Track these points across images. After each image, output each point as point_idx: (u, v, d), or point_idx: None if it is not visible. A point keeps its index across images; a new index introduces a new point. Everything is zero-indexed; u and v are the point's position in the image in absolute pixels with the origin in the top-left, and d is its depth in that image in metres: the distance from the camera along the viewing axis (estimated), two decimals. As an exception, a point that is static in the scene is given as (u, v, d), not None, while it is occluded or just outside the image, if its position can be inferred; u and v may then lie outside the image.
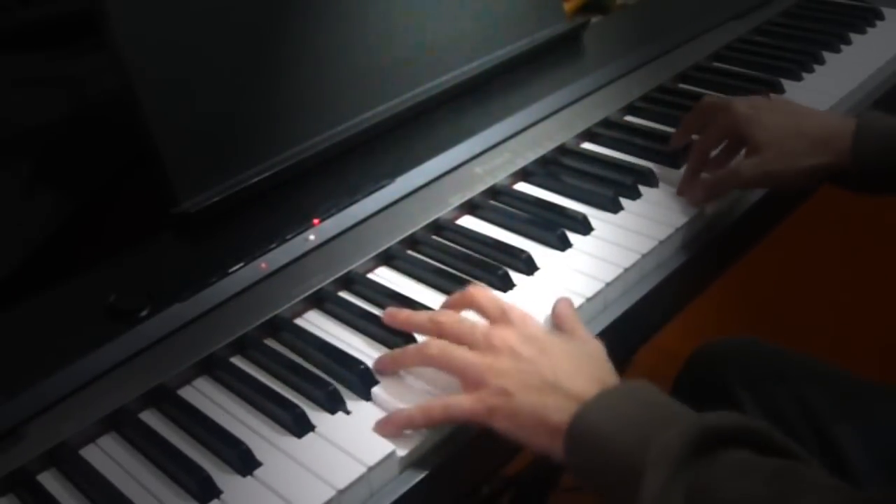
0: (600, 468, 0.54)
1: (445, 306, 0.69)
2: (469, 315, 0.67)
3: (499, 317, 0.65)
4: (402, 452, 0.59)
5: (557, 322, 0.68)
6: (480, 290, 0.68)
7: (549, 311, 0.70)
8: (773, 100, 0.81)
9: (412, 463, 0.61)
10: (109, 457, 0.61)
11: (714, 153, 0.84)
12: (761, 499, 0.46)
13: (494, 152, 0.88)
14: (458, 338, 0.63)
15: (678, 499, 0.48)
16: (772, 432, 0.51)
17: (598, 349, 0.65)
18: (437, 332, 0.65)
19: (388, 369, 0.65)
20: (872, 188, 0.76)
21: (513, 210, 0.83)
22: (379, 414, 0.62)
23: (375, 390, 0.64)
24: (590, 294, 0.72)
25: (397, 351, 0.65)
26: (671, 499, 0.48)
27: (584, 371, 0.61)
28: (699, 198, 0.81)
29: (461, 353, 0.62)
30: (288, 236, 0.75)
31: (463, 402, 0.60)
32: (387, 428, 0.60)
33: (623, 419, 0.54)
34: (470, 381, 0.61)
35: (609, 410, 0.55)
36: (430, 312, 0.68)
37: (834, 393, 0.82)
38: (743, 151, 0.81)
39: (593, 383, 0.59)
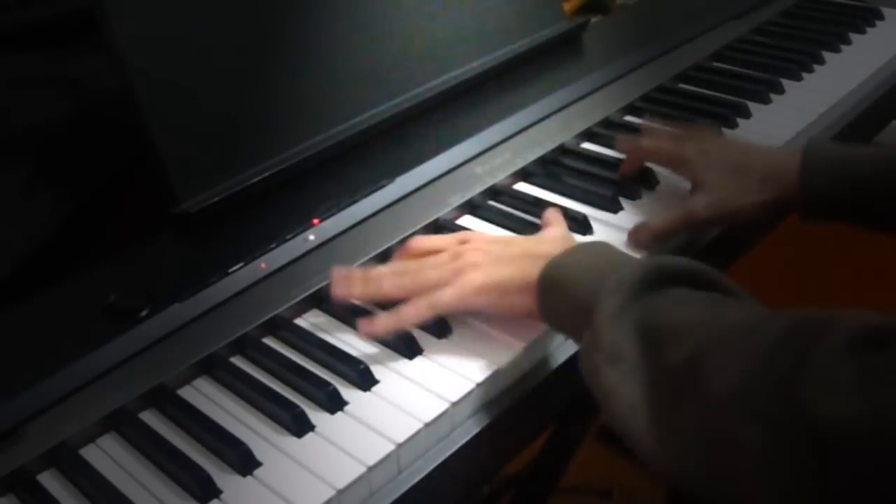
0: (568, 307, 0.61)
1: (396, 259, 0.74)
2: None
3: (454, 240, 0.71)
4: (401, 451, 0.59)
5: (543, 224, 0.76)
6: (422, 237, 0.74)
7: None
8: (720, 138, 0.84)
9: (412, 462, 0.61)
10: (109, 457, 0.61)
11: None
12: (694, 317, 0.53)
13: (494, 152, 0.89)
14: (428, 267, 0.68)
15: (628, 321, 0.55)
16: (716, 274, 0.57)
17: (565, 233, 0.72)
18: (406, 278, 0.68)
19: (363, 298, 0.69)
20: (821, 217, 0.78)
21: (513, 210, 0.83)
22: (379, 414, 0.62)
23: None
24: (590, 294, 0.72)
25: (371, 282, 0.68)
26: (622, 320, 0.55)
27: (550, 243, 0.68)
28: (648, 244, 0.77)
29: (436, 270, 0.67)
30: (288, 236, 0.75)
31: (444, 291, 0.65)
32: (375, 328, 0.66)
33: (585, 266, 0.62)
34: (448, 280, 0.66)
35: (573, 260, 0.63)
36: (387, 266, 0.71)
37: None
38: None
39: (560, 245, 0.66)
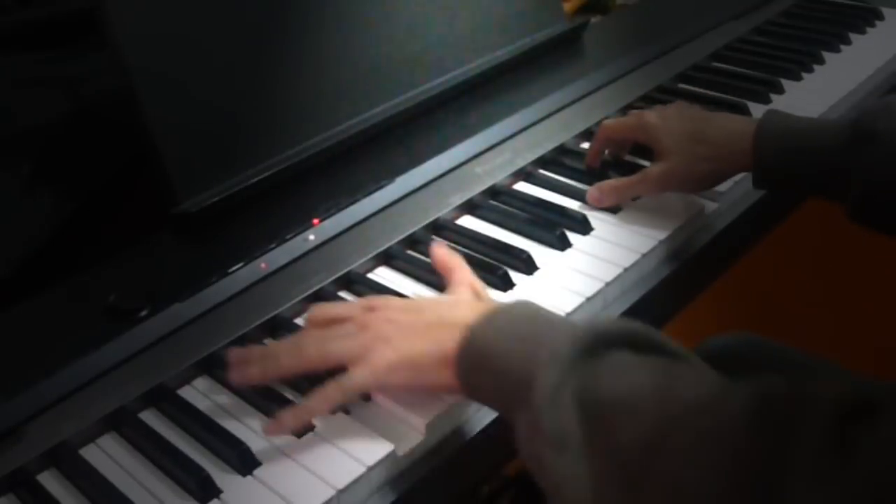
0: (496, 384, 0.55)
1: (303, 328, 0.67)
2: None
3: (360, 308, 0.64)
4: (401, 452, 0.59)
5: (441, 271, 0.69)
6: (328, 304, 0.67)
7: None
8: (682, 107, 0.84)
9: (412, 463, 0.61)
10: (109, 457, 0.61)
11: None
12: (643, 391, 0.48)
13: (494, 152, 0.89)
14: (331, 338, 0.61)
15: (567, 396, 0.49)
16: (653, 333, 0.52)
17: (478, 289, 0.66)
18: (303, 350, 0.61)
19: (256, 379, 0.61)
20: (772, 186, 0.80)
21: (513, 210, 0.83)
22: (380, 414, 0.62)
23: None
24: (589, 294, 0.72)
25: (266, 360, 0.61)
26: (561, 396, 0.49)
27: (467, 306, 0.61)
28: (604, 201, 0.82)
29: (340, 342, 0.60)
30: (288, 236, 0.75)
31: (354, 374, 0.59)
32: (282, 427, 0.59)
33: (511, 333, 0.55)
34: (357, 359, 0.59)
35: (496, 328, 0.56)
36: (286, 340, 0.64)
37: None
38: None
39: (479, 310, 0.59)
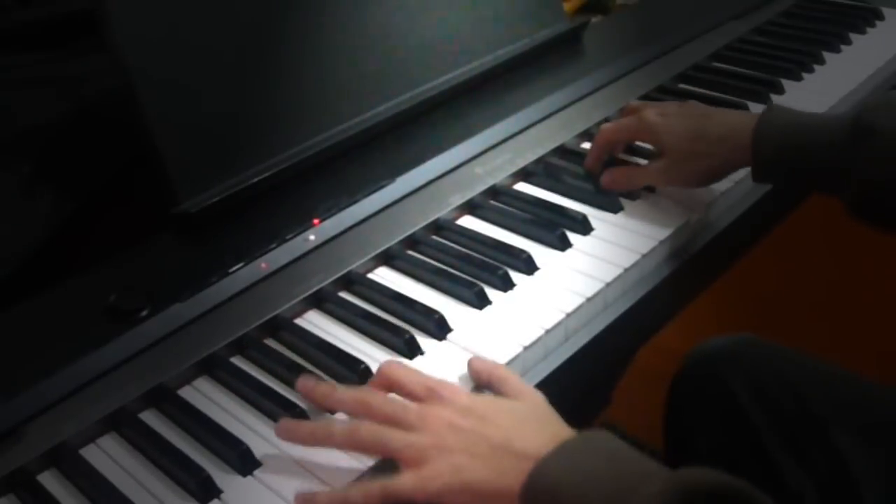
0: None
1: (370, 387, 0.63)
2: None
3: (426, 395, 0.59)
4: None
5: (486, 383, 0.63)
6: (400, 368, 0.62)
7: (550, 312, 0.70)
8: (682, 104, 0.84)
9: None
10: (109, 457, 0.61)
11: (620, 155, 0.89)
12: None
13: (495, 152, 0.88)
14: (389, 418, 0.57)
15: None
16: (750, 491, 0.48)
17: (541, 401, 0.60)
18: (365, 411, 0.59)
19: (303, 443, 0.59)
20: (771, 180, 0.80)
21: (513, 210, 0.83)
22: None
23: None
24: (590, 294, 0.72)
25: (320, 426, 0.59)
26: None
27: (533, 428, 0.57)
28: (615, 185, 0.84)
29: (398, 435, 0.56)
30: (288, 236, 0.75)
31: (403, 481, 0.54)
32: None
33: (585, 473, 0.51)
34: (411, 462, 0.55)
35: (569, 464, 0.52)
36: (353, 390, 0.61)
37: (833, 392, 0.82)
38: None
39: (547, 438, 0.54)
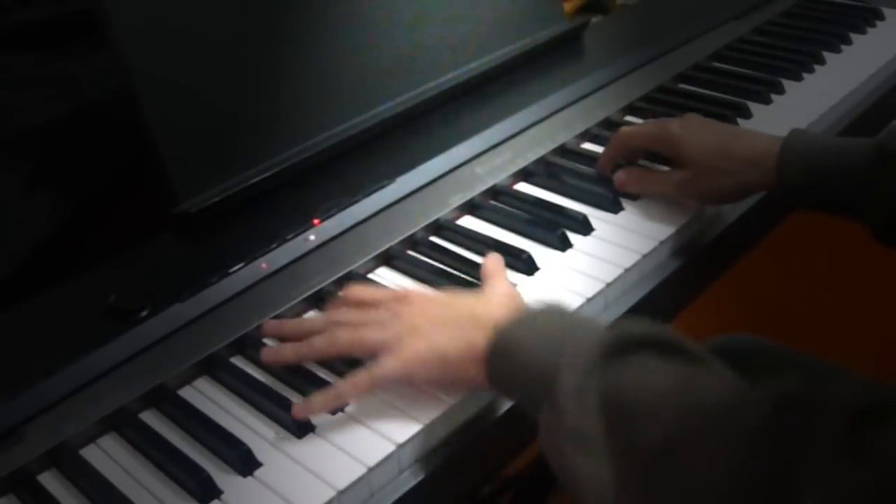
0: (524, 381, 0.56)
1: (332, 308, 0.69)
2: None
3: (392, 297, 0.66)
4: (402, 453, 0.59)
5: (483, 276, 0.70)
6: (362, 286, 0.69)
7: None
8: (704, 120, 0.84)
9: (413, 463, 0.61)
10: (109, 457, 0.61)
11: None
12: (665, 394, 0.49)
13: (495, 152, 0.88)
14: (363, 321, 0.64)
15: (592, 396, 0.51)
16: (681, 338, 0.53)
17: (511, 291, 0.67)
18: (336, 324, 0.65)
19: (288, 360, 0.64)
20: (797, 204, 0.80)
21: (513, 210, 0.83)
22: (381, 415, 0.62)
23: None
24: (590, 294, 0.72)
25: (300, 343, 0.64)
26: (586, 396, 0.51)
27: (498, 303, 0.63)
28: (627, 186, 0.84)
29: (373, 330, 0.63)
30: (288, 236, 0.75)
31: (385, 363, 0.61)
32: (311, 408, 0.60)
33: (540, 332, 0.57)
34: (389, 348, 0.61)
35: (526, 327, 0.58)
36: (323, 314, 0.67)
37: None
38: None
39: (509, 309, 0.61)
